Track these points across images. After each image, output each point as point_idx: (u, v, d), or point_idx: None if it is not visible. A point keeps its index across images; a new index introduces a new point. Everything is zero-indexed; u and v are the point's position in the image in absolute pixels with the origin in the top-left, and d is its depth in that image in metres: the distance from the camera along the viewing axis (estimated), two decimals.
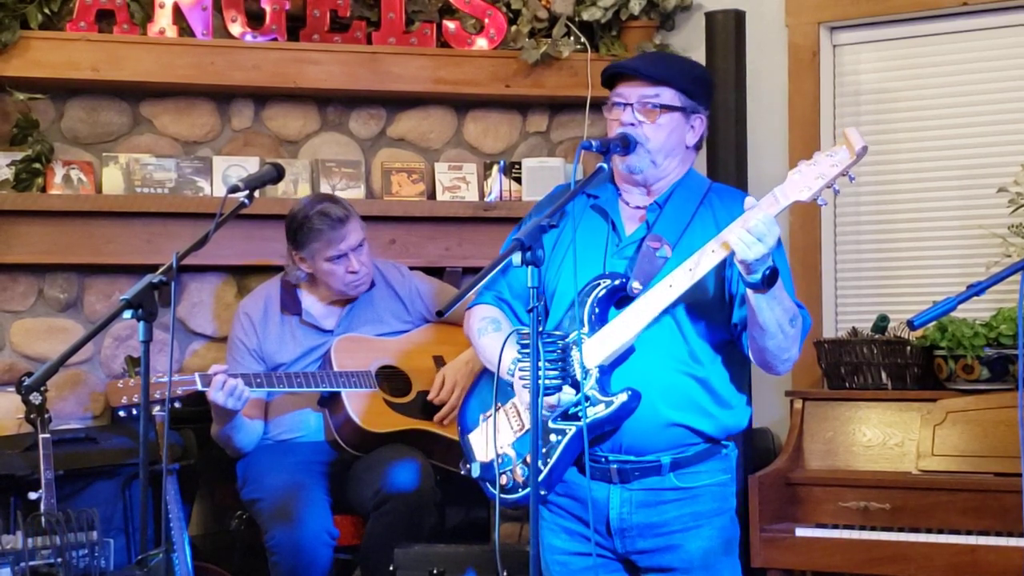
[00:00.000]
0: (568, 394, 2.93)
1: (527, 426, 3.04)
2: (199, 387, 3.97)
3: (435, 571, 3.74)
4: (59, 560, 3.81)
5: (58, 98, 4.65)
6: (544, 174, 4.85)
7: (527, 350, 2.78)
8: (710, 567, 3.06)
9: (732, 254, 2.82)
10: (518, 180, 4.90)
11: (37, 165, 4.50)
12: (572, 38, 4.87)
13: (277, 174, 3.32)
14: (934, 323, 4.06)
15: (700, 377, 3.03)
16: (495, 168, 4.91)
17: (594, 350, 2.96)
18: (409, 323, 4.44)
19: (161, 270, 2.98)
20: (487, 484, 3.09)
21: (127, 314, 2.94)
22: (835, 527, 4.05)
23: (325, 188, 4.72)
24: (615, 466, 3.02)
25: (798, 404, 4.32)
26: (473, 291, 2.98)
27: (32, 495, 3.87)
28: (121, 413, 3.98)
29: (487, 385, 3.16)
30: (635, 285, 2.99)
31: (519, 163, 4.91)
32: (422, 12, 4.82)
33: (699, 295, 2.99)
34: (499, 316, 3.20)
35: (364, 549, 4.14)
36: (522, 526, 4.31)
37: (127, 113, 4.75)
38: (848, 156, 2.79)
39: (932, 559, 3.89)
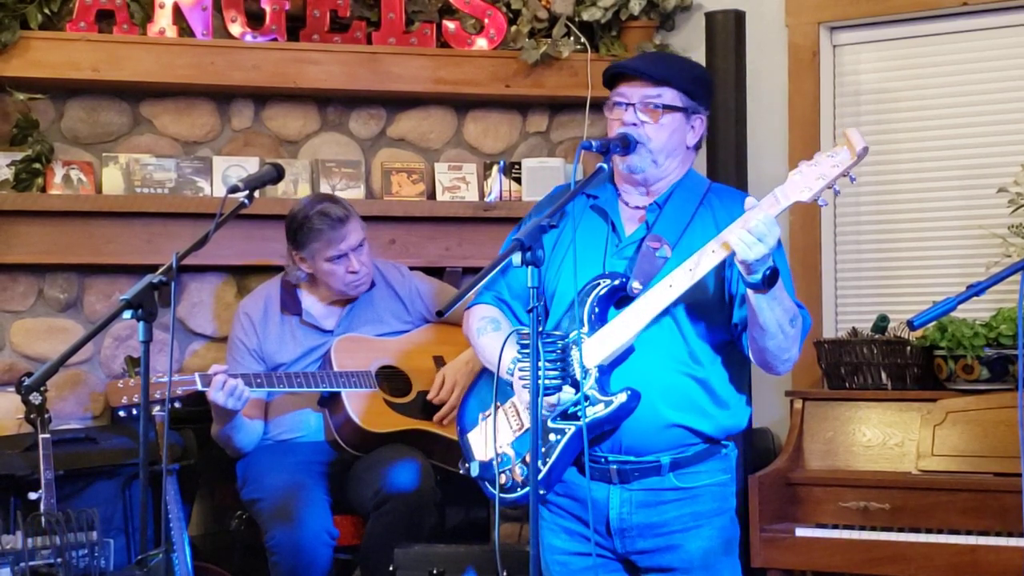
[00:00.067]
0: (568, 393, 2.93)
1: (526, 425, 3.04)
2: (199, 387, 3.97)
3: (435, 571, 3.74)
4: (59, 560, 3.81)
5: (58, 98, 4.65)
6: (544, 174, 4.85)
7: (527, 350, 2.78)
8: (710, 567, 3.06)
9: (732, 254, 2.83)
10: (518, 180, 4.90)
11: (37, 165, 4.50)
12: (572, 38, 4.87)
13: (277, 174, 3.32)
14: (934, 323, 4.06)
15: (700, 377, 3.03)
16: (495, 168, 4.91)
17: (594, 350, 2.96)
18: (409, 323, 4.44)
19: (161, 270, 2.98)
20: (486, 483, 3.09)
21: (127, 314, 2.94)
22: (835, 527, 4.05)
23: (325, 188, 4.72)
24: (615, 466, 3.02)
25: (798, 404, 4.32)
26: (473, 291, 2.98)
27: (32, 495, 3.87)
28: (121, 413, 3.98)
29: (486, 384, 3.16)
30: (635, 285, 2.99)
31: (519, 163, 4.91)
32: (422, 12, 4.82)
33: (699, 295, 2.99)
34: (498, 316, 3.20)
35: (364, 549, 4.14)
36: (522, 526, 4.31)
37: (127, 113, 4.75)
38: (849, 157, 2.79)
39: (932, 559, 3.89)
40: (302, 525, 4.00)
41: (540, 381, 2.76)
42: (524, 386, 2.94)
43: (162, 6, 4.56)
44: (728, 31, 4.52)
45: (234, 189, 3.16)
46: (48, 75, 4.49)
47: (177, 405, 3.99)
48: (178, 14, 4.59)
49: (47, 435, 3.93)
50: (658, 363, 3.00)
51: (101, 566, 3.89)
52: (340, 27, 4.76)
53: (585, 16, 4.86)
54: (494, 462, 3.07)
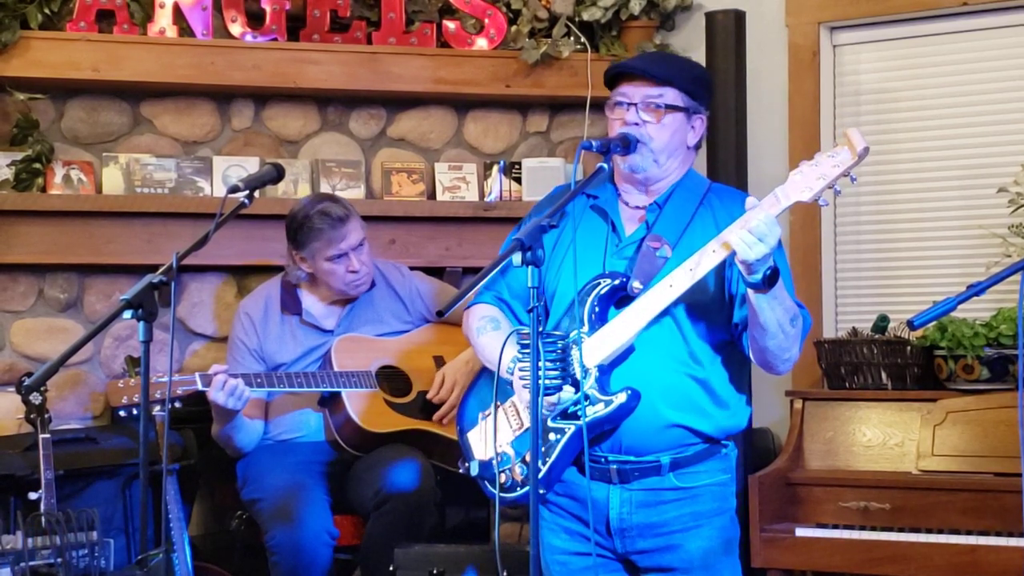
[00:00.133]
0: (568, 392, 2.93)
1: (526, 425, 3.04)
2: (199, 387, 3.97)
3: (435, 571, 3.74)
4: (59, 560, 3.81)
5: (58, 98, 4.65)
6: (544, 174, 4.85)
7: (527, 350, 2.78)
8: (710, 567, 3.06)
9: (733, 254, 2.83)
10: (518, 180, 4.90)
11: (37, 165, 4.50)
12: (572, 38, 4.87)
13: (277, 174, 3.32)
14: (934, 323, 4.06)
15: (700, 377, 3.03)
16: (495, 168, 4.91)
17: (594, 349, 2.96)
18: (409, 323, 4.44)
19: (161, 270, 2.98)
20: (486, 483, 3.09)
21: (127, 314, 2.94)
22: (835, 527, 4.05)
23: (325, 188, 4.72)
24: (615, 466, 3.02)
25: (798, 404, 4.32)
26: (473, 291, 2.98)
27: (32, 495, 3.87)
28: (121, 413, 3.98)
29: (486, 384, 3.17)
30: (635, 285, 2.99)
31: (519, 163, 4.91)
32: (422, 12, 4.82)
33: (699, 295, 2.99)
34: (498, 315, 3.21)
35: (364, 549, 4.14)
36: (522, 526, 4.32)
37: (127, 113, 4.75)
38: (850, 157, 2.79)
39: (932, 559, 3.88)
40: (302, 525, 4.00)
41: (540, 381, 2.76)
42: (524, 386, 2.94)
43: (162, 6, 4.56)
44: (728, 31, 4.52)
45: (234, 189, 3.16)
46: (48, 75, 4.49)
47: (177, 405, 3.99)
48: (178, 14, 4.59)
49: (47, 435, 3.93)
50: (658, 363, 3.00)
51: (101, 566, 3.89)
52: (340, 27, 4.76)
53: (585, 16, 4.86)
54: (494, 461, 3.07)
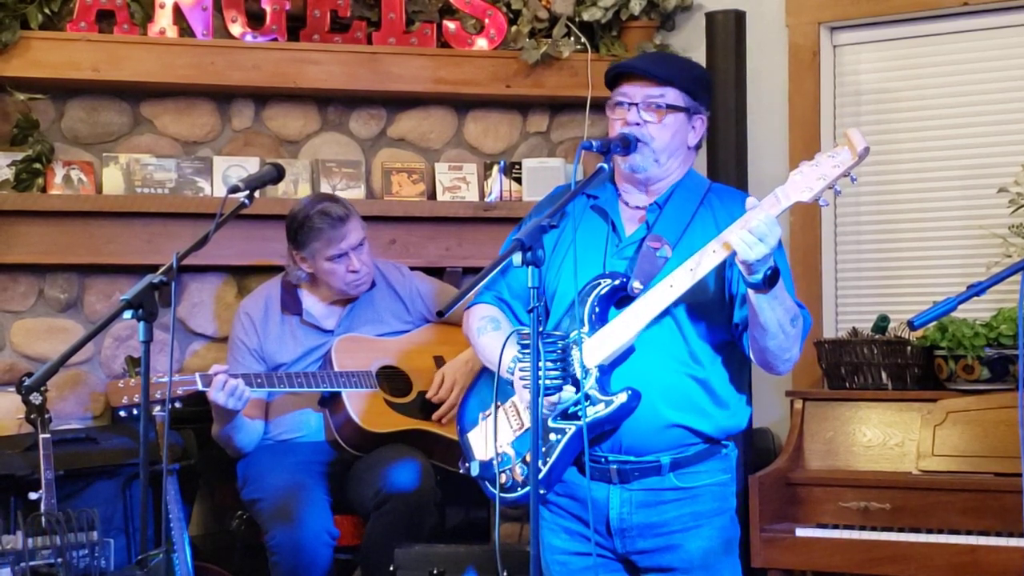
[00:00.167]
0: (569, 391, 2.93)
1: (526, 425, 3.04)
2: (200, 387, 3.97)
3: (435, 571, 3.74)
4: (59, 560, 3.81)
5: (58, 98, 4.65)
6: (544, 174, 4.85)
7: (527, 350, 2.78)
8: (710, 567, 3.06)
9: (733, 254, 2.83)
10: (518, 180, 4.90)
11: (37, 165, 4.50)
12: (572, 38, 4.87)
13: (277, 174, 3.32)
14: (934, 323, 4.06)
15: (700, 378, 3.03)
16: (495, 168, 4.91)
17: (594, 349, 2.96)
18: (409, 323, 4.44)
19: (161, 270, 2.98)
20: (486, 483, 3.09)
21: (127, 314, 2.94)
22: (835, 527, 4.05)
23: (325, 188, 4.72)
24: (615, 466, 3.02)
25: (798, 404, 4.32)
26: (473, 291, 2.98)
27: (32, 495, 3.87)
28: (121, 413, 3.98)
29: (486, 384, 3.17)
30: (635, 285, 2.99)
31: (519, 163, 4.91)
32: (422, 12, 4.82)
33: (700, 295, 2.99)
34: (498, 315, 3.21)
35: (364, 549, 4.14)
36: (522, 526, 4.31)
37: (127, 113, 4.75)
38: (850, 157, 2.79)
39: (932, 559, 3.89)
40: (302, 525, 4.00)
41: (540, 381, 2.76)
42: (524, 386, 2.94)
43: (162, 6, 4.56)
44: (728, 31, 4.52)
45: (234, 189, 3.16)
46: (48, 75, 4.49)
47: (177, 405, 3.99)
48: (178, 14, 4.59)
49: (47, 435, 3.93)
50: (658, 363, 3.00)
51: (101, 566, 3.89)
52: (340, 27, 4.76)
53: (585, 16, 4.86)
54: (494, 462, 3.07)
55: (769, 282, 2.82)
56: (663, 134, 3.04)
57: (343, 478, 4.22)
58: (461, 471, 3.17)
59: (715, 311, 3.03)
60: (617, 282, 3.01)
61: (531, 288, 2.72)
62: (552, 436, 2.97)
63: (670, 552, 3.05)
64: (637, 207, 3.12)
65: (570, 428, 2.96)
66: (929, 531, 3.93)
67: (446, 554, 3.83)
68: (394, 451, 4.17)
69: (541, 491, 2.97)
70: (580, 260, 3.02)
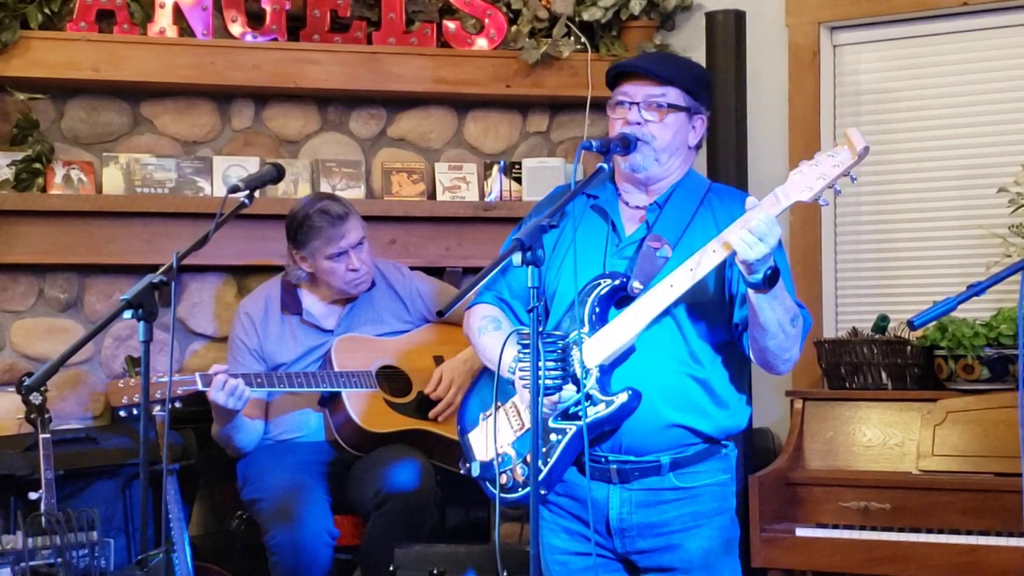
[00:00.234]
0: (569, 391, 2.93)
1: (527, 425, 3.04)
2: (200, 387, 3.97)
3: (435, 571, 3.74)
4: (59, 560, 3.81)
5: (58, 98, 4.65)
6: (544, 174, 4.85)
7: (528, 350, 2.78)
8: (710, 567, 3.06)
9: (733, 254, 2.83)
10: (518, 180, 4.90)
11: (37, 165, 4.50)
12: (572, 38, 4.87)
13: (277, 174, 3.32)
14: (934, 323, 4.06)
15: (700, 378, 3.03)
16: (495, 168, 4.91)
17: (594, 349, 2.96)
18: (409, 323, 4.44)
19: (161, 270, 2.98)
20: (487, 483, 3.09)
21: (127, 314, 2.94)
22: (835, 527, 4.05)
23: (325, 188, 4.72)
24: (615, 466, 3.02)
25: (798, 404, 4.32)
26: (473, 291, 2.98)
27: (32, 495, 3.87)
28: (121, 413, 3.98)
29: (487, 384, 3.16)
30: (636, 285, 2.99)
31: (519, 163, 4.91)
32: (422, 12, 4.82)
33: (700, 295, 2.99)
34: (499, 315, 3.21)
35: (364, 549, 4.14)
36: (522, 526, 4.31)
37: (127, 113, 4.75)
38: (850, 156, 2.79)
39: (932, 559, 3.89)
40: (302, 525, 4.00)
41: (540, 381, 2.76)
42: (525, 386, 2.94)
43: (162, 6, 4.56)
44: (728, 31, 4.52)
45: (234, 189, 3.16)
46: (48, 75, 4.49)
47: (177, 405, 3.99)
48: (178, 14, 4.59)
49: (47, 435, 3.93)
50: (659, 363, 3.00)
51: (101, 566, 3.89)
52: (340, 27, 4.76)
53: (585, 16, 4.86)
54: (495, 462, 3.07)
55: (769, 282, 2.82)
56: (664, 133, 3.04)
57: (343, 478, 4.22)
58: (462, 471, 3.17)
59: (715, 311, 3.03)
60: (617, 282, 3.01)
61: (531, 288, 2.72)
62: (553, 436, 2.97)
63: (670, 552, 3.05)
64: (637, 207, 3.12)
65: (570, 428, 2.96)
66: (929, 531, 3.93)
67: (446, 554, 3.83)
68: (394, 451, 4.17)
69: (542, 491, 2.97)
70: (580, 260, 3.02)
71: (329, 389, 4.19)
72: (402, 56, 4.77)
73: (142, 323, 2.94)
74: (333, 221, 4.20)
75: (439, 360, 4.37)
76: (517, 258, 2.71)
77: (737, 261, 2.83)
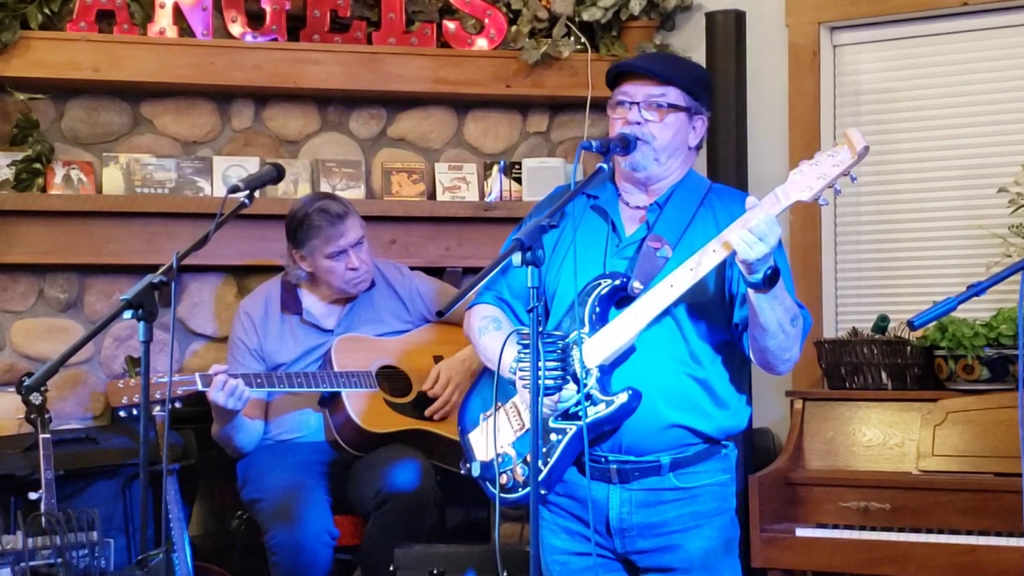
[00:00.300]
0: (570, 390, 2.93)
1: (527, 425, 3.04)
2: (199, 387, 3.97)
3: (435, 571, 3.74)
4: (59, 560, 3.81)
5: (58, 98, 4.65)
6: (544, 174, 4.85)
7: (528, 350, 2.78)
8: (710, 567, 3.06)
9: (733, 254, 2.83)
10: (518, 180, 4.90)
11: (37, 165, 4.50)
12: (572, 38, 4.87)
13: (277, 174, 3.32)
14: (934, 323, 4.06)
15: (700, 378, 3.03)
16: (495, 168, 4.91)
17: (594, 349, 2.96)
18: (409, 323, 4.44)
19: (161, 270, 2.98)
20: (487, 483, 3.09)
21: (127, 314, 2.94)
22: (835, 527, 4.05)
23: (325, 188, 4.72)
24: (615, 466, 3.02)
25: (798, 404, 4.32)
26: (473, 291, 2.98)
27: (32, 495, 3.87)
28: (121, 413, 3.98)
29: (487, 384, 3.16)
30: (636, 285, 2.99)
31: (519, 163, 4.91)
32: (422, 12, 4.82)
33: (700, 295, 2.99)
34: (500, 315, 3.21)
35: (364, 549, 4.14)
36: (522, 526, 4.31)
37: (127, 113, 4.75)
38: (850, 156, 2.79)
39: (932, 559, 3.89)
40: (302, 525, 4.00)
41: (541, 381, 2.76)
42: (525, 386, 2.94)
43: (162, 6, 4.56)
44: (728, 31, 4.52)
45: (234, 189, 3.16)
46: (48, 75, 4.49)
47: (177, 405, 3.99)
48: (178, 14, 4.59)
49: (47, 435, 3.93)
50: (659, 363, 3.00)
51: (101, 566, 3.89)
52: (340, 27, 4.76)
53: (585, 16, 4.86)
54: (495, 462, 3.07)
55: (769, 282, 2.82)
56: (664, 133, 3.04)
57: (343, 478, 4.22)
58: (462, 471, 3.17)
59: (715, 311, 3.03)
60: (617, 282, 3.01)
61: (531, 288, 2.72)
62: (553, 436, 2.97)
63: (670, 552, 3.05)
64: (637, 207, 3.12)
65: (571, 428, 2.96)
66: (929, 531, 3.93)
67: (446, 554, 3.83)
68: (394, 451, 4.17)
69: (542, 491, 2.97)
70: (580, 260, 3.02)
71: (329, 389, 4.19)
72: (402, 56, 4.77)
73: (142, 323, 2.94)
74: (332, 220, 4.20)
75: (439, 360, 4.37)
76: (517, 258, 2.71)
77: (737, 261, 2.83)
